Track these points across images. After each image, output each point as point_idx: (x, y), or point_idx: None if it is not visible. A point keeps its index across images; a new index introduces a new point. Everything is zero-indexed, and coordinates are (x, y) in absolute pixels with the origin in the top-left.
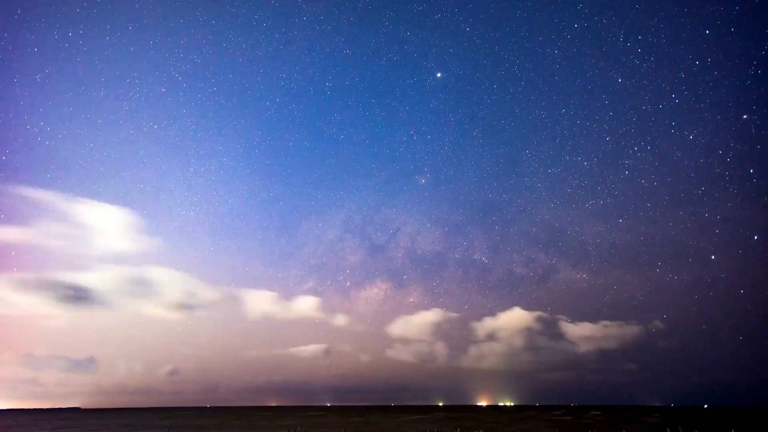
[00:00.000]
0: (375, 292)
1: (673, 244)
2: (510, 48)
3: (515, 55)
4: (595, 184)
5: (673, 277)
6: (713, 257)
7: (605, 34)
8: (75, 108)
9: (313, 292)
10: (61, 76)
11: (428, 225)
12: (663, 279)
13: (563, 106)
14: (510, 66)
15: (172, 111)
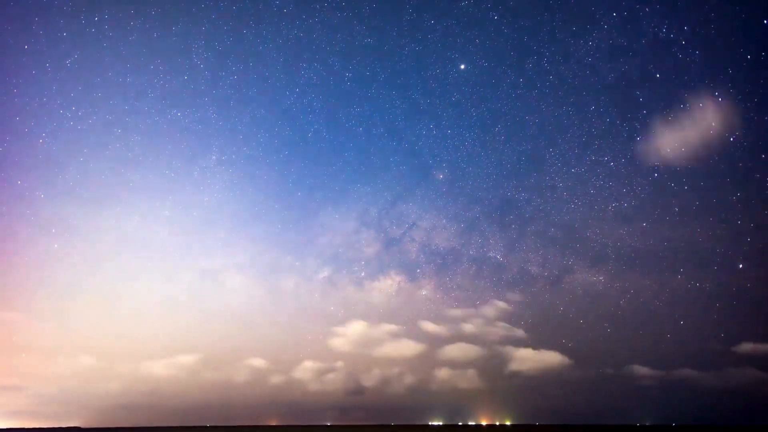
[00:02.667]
0: (389, 284)
1: (698, 251)
2: (540, 39)
3: (545, 46)
4: (620, 185)
5: (695, 284)
6: (741, 266)
7: (646, 25)
8: (103, 93)
9: (328, 281)
10: (89, 62)
11: (444, 221)
12: (684, 285)
13: (593, 103)
14: (539, 58)
15: (194, 99)
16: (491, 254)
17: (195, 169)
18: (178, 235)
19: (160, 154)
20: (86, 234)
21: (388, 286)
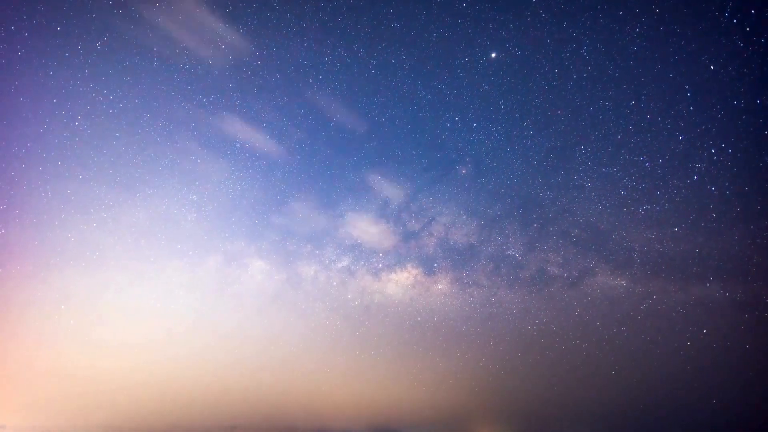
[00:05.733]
0: (405, 276)
1: (732, 260)
2: (581, 25)
3: (586, 33)
4: (654, 187)
5: (724, 293)
6: None
7: (705, 8)
8: (132, 78)
9: (346, 271)
10: (118, 44)
11: (464, 217)
12: (712, 294)
13: (633, 97)
14: (578, 47)
15: (218, 85)
16: (510, 252)
17: (220, 156)
18: (205, 220)
19: (187, 140)
20: (120, 216)
21: (404, 278)
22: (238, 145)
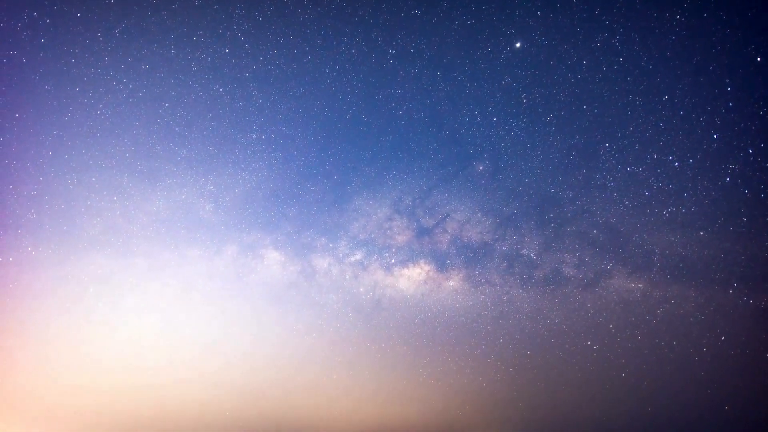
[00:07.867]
0: (417, 272)
1: (760, 266)
2: (615, 12)
3: (620, 21)
4: (681, 189)
5: (748, 300)
6: None
7: None
8: (151, 66)
9: (359, 265)
10: (136, 32)
11: (479, 214)
12: (734, 301)
13: (666, 92)
14: (609, 36)
15: (235, 74)
16: (525, 251)
17: (236, 147)
18: (222, 210)
19: (204, 130)
20: (142, 204)
21: (416, 274)
22: (254, 136)
